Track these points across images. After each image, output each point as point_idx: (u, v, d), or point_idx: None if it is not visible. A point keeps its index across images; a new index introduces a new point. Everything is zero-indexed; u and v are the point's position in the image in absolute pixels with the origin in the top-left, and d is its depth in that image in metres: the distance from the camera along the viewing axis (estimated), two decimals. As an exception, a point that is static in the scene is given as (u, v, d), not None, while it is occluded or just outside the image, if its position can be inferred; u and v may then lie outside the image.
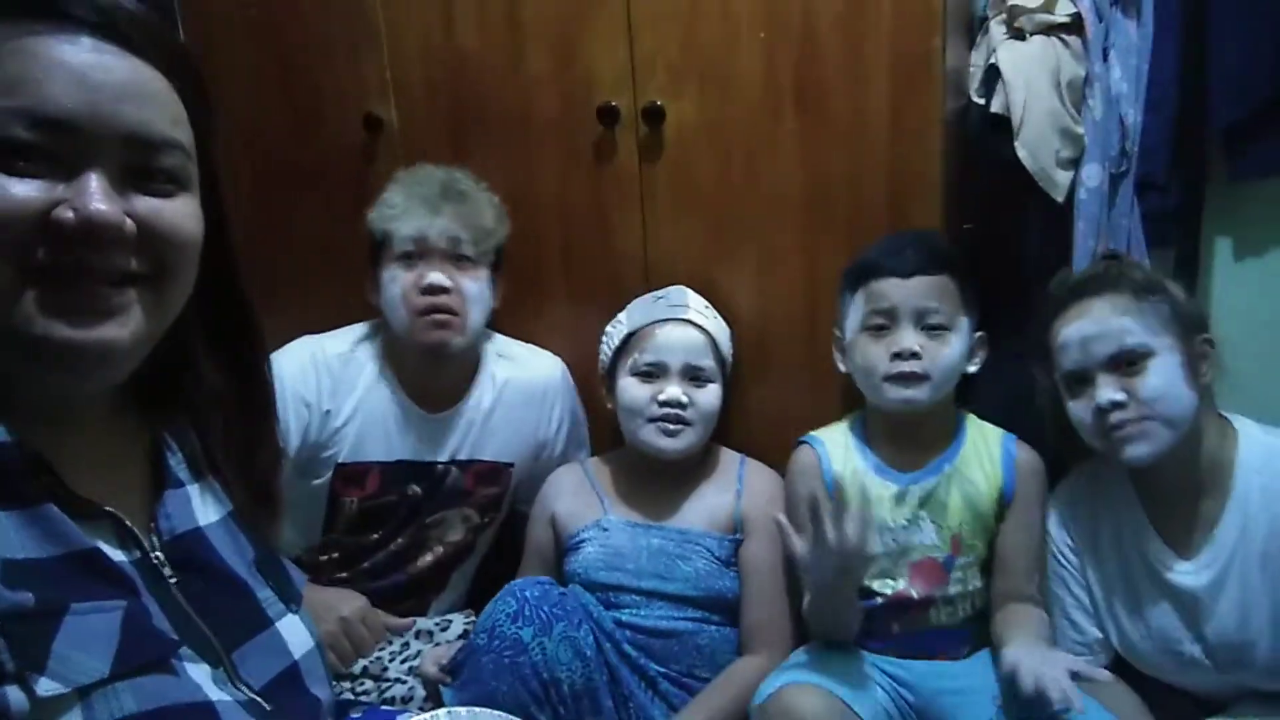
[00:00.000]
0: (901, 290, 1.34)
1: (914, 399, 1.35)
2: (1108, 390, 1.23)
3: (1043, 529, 1.38)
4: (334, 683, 1.48)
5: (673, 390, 1.49)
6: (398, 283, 1.52)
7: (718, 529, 1.54)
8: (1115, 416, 1.22)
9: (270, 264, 1.86)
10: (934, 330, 1.35)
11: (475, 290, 1.53)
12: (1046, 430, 1.40)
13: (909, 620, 1.39)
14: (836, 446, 1.44)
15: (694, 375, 1.51)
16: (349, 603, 1.40)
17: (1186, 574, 1.27)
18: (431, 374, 1.58)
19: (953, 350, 1.36)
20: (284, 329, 1.63)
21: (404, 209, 1.52)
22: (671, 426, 1.49)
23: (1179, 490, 1.28)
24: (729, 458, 1.61)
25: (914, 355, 1.33)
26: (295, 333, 1.62)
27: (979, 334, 1.42)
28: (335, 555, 1.61)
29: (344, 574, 1.60)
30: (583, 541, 1.53)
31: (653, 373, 1.51)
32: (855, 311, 1.39)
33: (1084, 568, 1.37)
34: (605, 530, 1.53)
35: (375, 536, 1.60)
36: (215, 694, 0.65)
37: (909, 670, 1.37)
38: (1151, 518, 1.31)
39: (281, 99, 1.78)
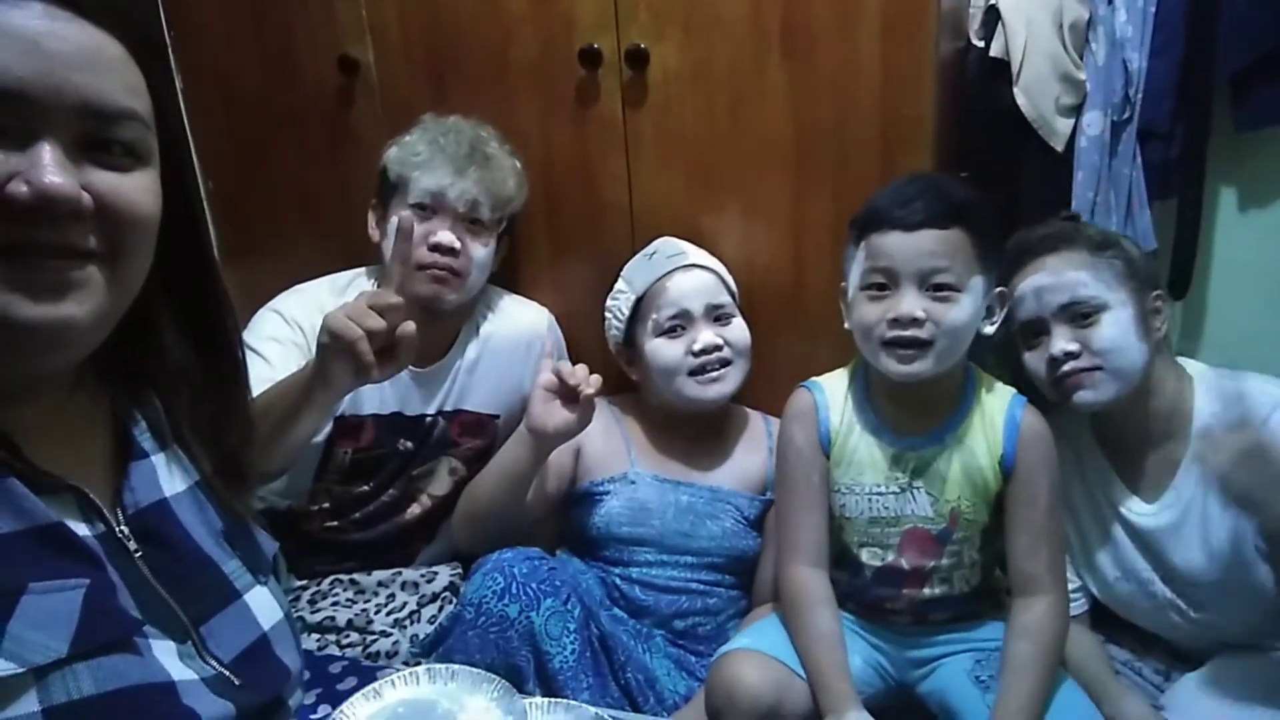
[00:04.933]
0: (905, 246, 1.18)
1: (916, 373, 1.21)
2: (1061, 341, 1.25)
3: (1050, 500, 1.26)
4: (319, 636, 1.50)
5: (706, 336, 1.46)
6: None
7: (748, 488, 1.52)
8: (1067, 366, 1.25)
9: (247, 211, 1.84)
10: (941, 291, 1.18)
11: (483, 255, 1.52)
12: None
13: (902, 598, 1.31)
14: (836, 396, 1.33)
15: (718, 315, 1.48)
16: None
17: (1148, 515, 1.31)
18: (422, 327, 1.54)
19: (961, 312, 1.19)
20: (262, 277, 1.61)
21: (427, 160, 1.48)
22: (714, 373, 1.46)
23: (1138, 438, 1.31)
24: (753, 415, 1.59)
25: (914, 322, 1.18)
26: (273, 280, 1.59)
27: (998, 290, 1.25)
28: (326, 505, 1.61)
29: (334, 522, 1.61)
30: (606, 494, 1.51)
31: (678, 326, 1.47)
32: (856, 267, 1.25)
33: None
34: (633, 484, 1.51)
35: (366, 488, 1.60)
36: (179, 672, 0.64)
37: (885, 639, 1.35)
38: (1113, 463, 1.35)
39: (255, 42, 1.73)
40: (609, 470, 1.53)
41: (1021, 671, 1.18)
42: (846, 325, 1.29)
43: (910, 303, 1.18)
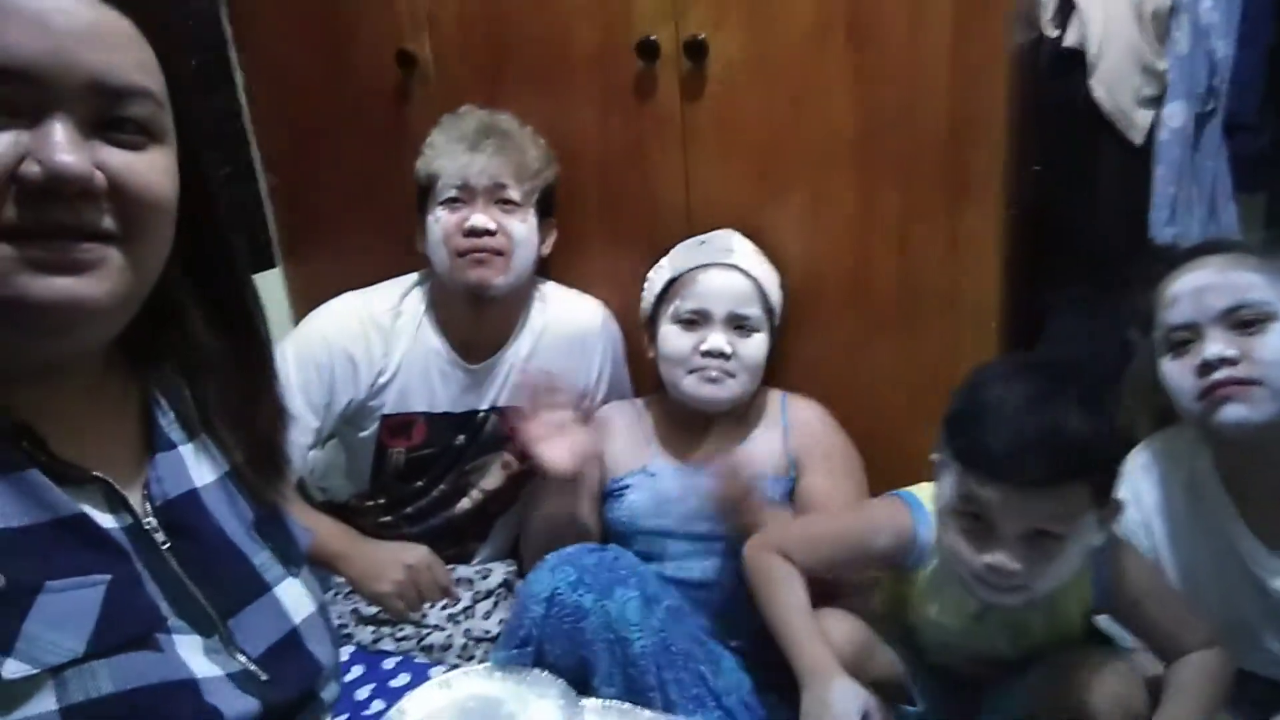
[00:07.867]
0: (1011, 506, 1.01)
1: (1011, 605, 1.10)
2: (1217, 345, 1.11)
3: (1161, 599, 1.15)
4: (374, 628, 1.52)
5: (715, 340, 1.43)
6: (440, 224, 1.49)
7: (768, 468, 1.49)
8: (1221, 373, 1.10)
9: (308, 207, 1.85)
10: (1044, 546, 1.03)
11: (522, 232, 1.50)
12: (1122, 398, 1.28)
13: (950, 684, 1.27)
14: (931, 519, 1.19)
15: (739, 324, 1.45)
16: (412, 552, 1.43)
17: None
18: (475, 323, 1.56)
19: (1063, 563, 1.05)
20: (323, 276, 1.62)
21: (444, 149, 1.50)
22: (714, 374, 1.44)
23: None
24: (771, 397, 1.56)
25: (1011, 574, 1.03)
26: (333, 280, 1.60)
27: (1113, 501, 1.08)
28: (381, 501, 1.64)
29: (388, 518, 1.63)
30: (627, 487, 1.51)
31: (695, 320, 1.45)
32: (949, 485, 1.07)
33: (1150, 543, 1.27)
34: (653, 476, 1.50)
35: (419, 484, 1.62)
36: (203, 669, 0.63)
37: None
38: (1243, 512, 1.20)
39: (313, 38, 1.73)
40: (630, 465, 1.52)
41: (1180, 693, 1.08)
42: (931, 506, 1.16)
43: (1007, 559, 1.03)
